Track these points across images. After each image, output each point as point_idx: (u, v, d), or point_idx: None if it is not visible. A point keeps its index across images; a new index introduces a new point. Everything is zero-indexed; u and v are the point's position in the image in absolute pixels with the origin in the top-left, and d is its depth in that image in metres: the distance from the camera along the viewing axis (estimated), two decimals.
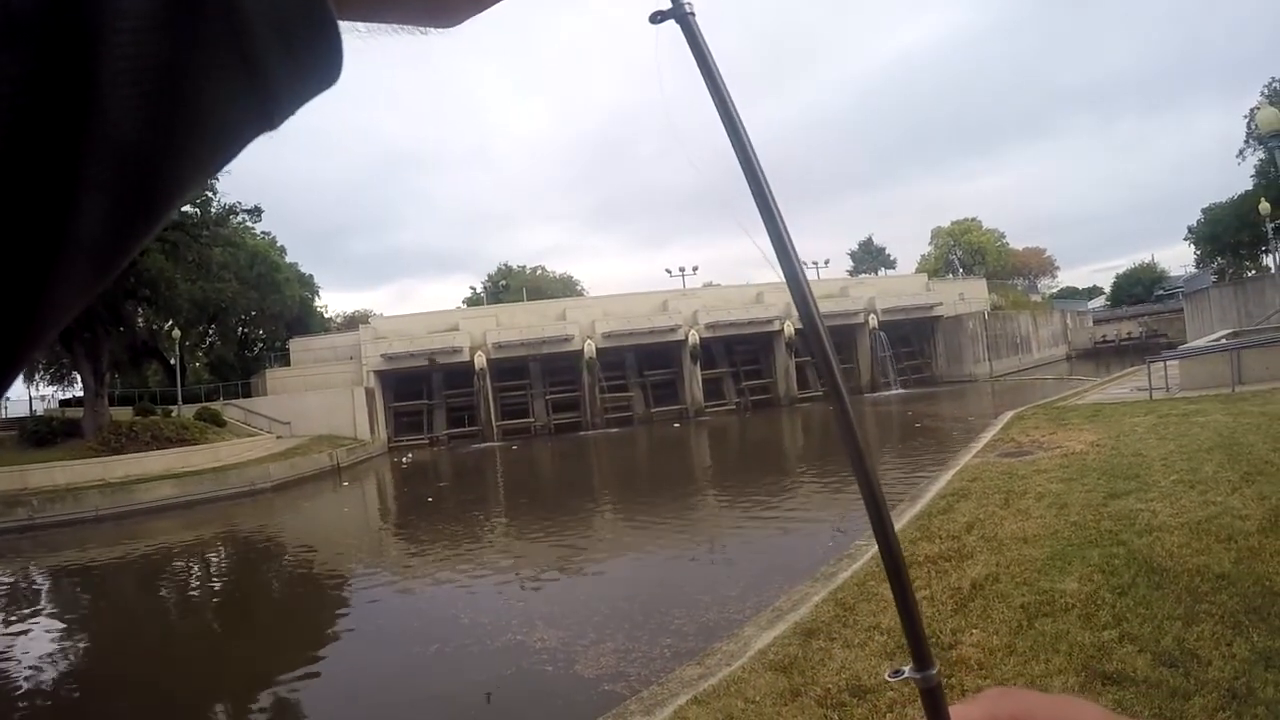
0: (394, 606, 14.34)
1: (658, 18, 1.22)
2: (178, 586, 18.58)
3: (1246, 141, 53.74)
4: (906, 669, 1.14)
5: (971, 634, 6.22)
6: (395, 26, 0.45)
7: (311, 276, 65.43)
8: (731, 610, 10.46)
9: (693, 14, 1.19)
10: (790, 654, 6.53)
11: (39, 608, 16.94)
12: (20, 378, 0.25)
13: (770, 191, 1.18)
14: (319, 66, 0.35)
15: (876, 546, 1.25)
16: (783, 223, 1.21)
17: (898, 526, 10.45)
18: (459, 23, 0.49)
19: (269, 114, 0.34)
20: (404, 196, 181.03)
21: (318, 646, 12.37)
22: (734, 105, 1.16)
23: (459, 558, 17.30)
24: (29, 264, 0.27)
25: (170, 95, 0.29)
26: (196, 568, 20.33)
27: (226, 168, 0.33)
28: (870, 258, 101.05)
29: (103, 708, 10.93)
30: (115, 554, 21.98)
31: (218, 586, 18.66)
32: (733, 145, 1.18)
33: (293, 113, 0.36)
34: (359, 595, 15.65)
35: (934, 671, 0.91)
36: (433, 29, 0.47)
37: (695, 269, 66.32)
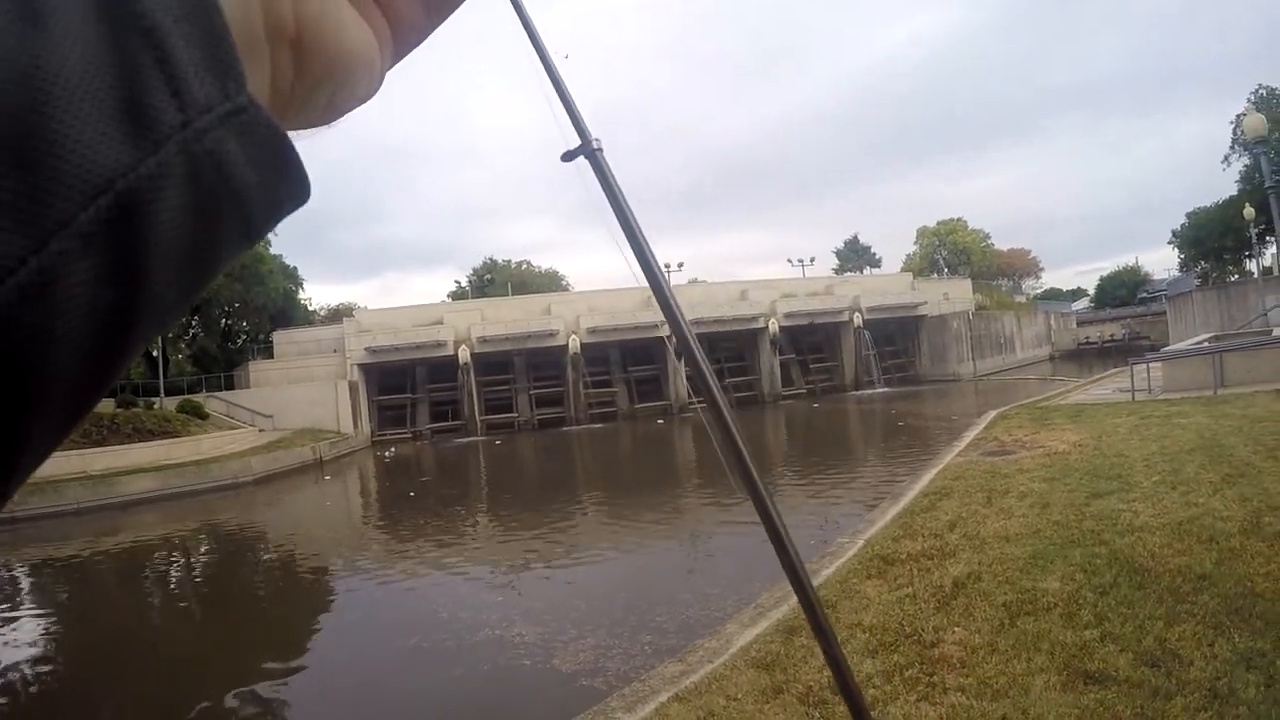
0: (373, 601, 14.25)
1: (568, 157, 1.21)
2: (159, 580, 18.42)
3: (1232, 147, 54.36)
4: None
5: (954, 632, 6.20)
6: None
7: (296, 269, 65.03)
8: (713, 608, 10.42)
9: (599, 150, 1.18)
10: (772, 651, 6.50)
11: (19, 601, 16.78)
12: None
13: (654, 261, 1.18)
14: (293, 202, 0.43)
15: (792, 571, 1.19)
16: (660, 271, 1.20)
17: (880, 525, 10.47)
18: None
19: (252, 242, 0.41)
20: (390, 190, 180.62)
21: (294, 641, 12.31)
22: (639, 228, 1.15)
23: (440, 553, 17.21)
24: (66, 417, 0.33)
25: (198, 264, 0.37)
26: (178, 561, 20.18)
27: None
28: (856, 256, 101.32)
29: (83, 702, 10.80)
30: (97, 547, 21.76)
31: (198, 580, 18.52)
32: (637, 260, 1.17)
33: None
34: (337, 589, 15.58)
35: None
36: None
37: (680, 265, 66.41)
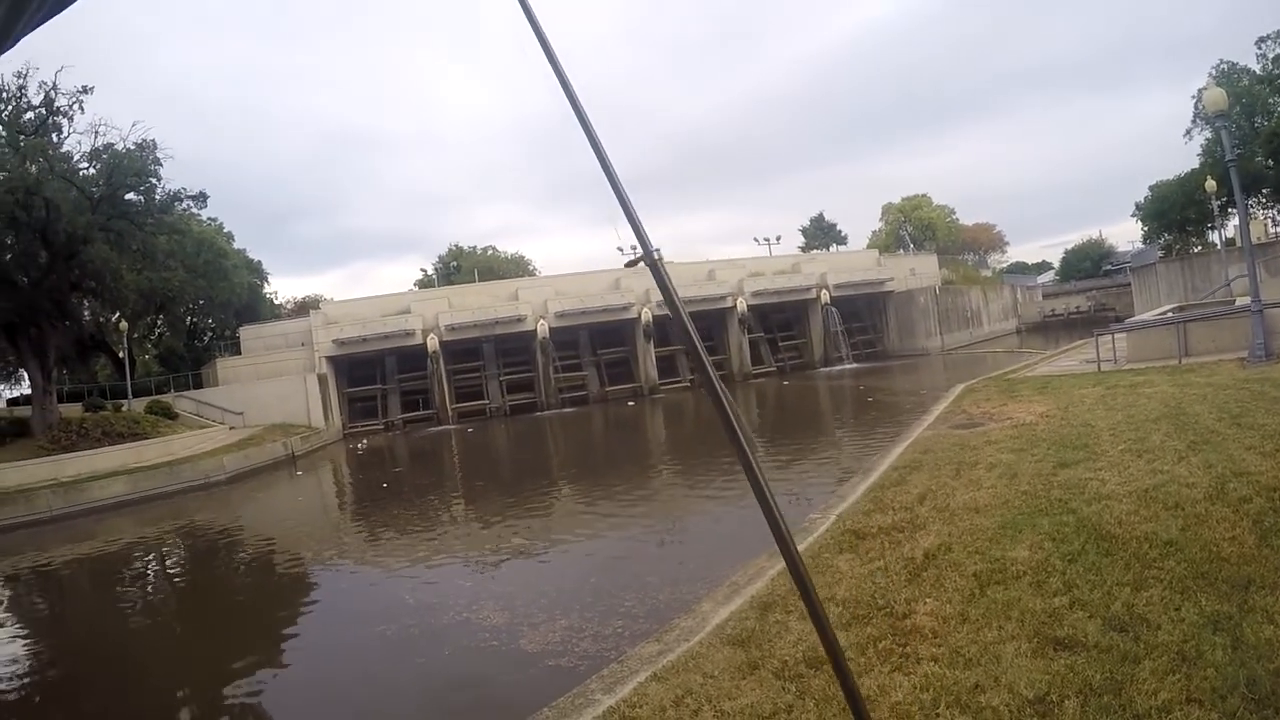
0: (345, 592, 14.24)
1: (631, 264, 1.34)
2: (136, 584, 18.13)
3: (1194, 121, 54.90)
4: None
5: (925, 603, 6.22)
6: None
7: (260, 262, 64.51)
8: (684, 590, 10.40)
9: (660, 258, 1.25)
10: (747, 628, 6.50)
11: None
12: None
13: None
14: None
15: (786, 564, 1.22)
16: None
17: (851, 500, 10.51)
18: None
19: None
20: (352, 178, 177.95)
21: (265, 635, 12.26)
22: (693, 329, 1.17)
23: (413, 543, 17.16)
24: None
25: None
26: (153, 564, 19.91)
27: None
28: (822, 234, 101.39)
29: (67, 709, 10.67)
30: (73, 554, 21.44)
31: (168, 582, 18.33)
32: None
33: None
34: (309, 584, 15.50)
35: None
36: None
37: None
